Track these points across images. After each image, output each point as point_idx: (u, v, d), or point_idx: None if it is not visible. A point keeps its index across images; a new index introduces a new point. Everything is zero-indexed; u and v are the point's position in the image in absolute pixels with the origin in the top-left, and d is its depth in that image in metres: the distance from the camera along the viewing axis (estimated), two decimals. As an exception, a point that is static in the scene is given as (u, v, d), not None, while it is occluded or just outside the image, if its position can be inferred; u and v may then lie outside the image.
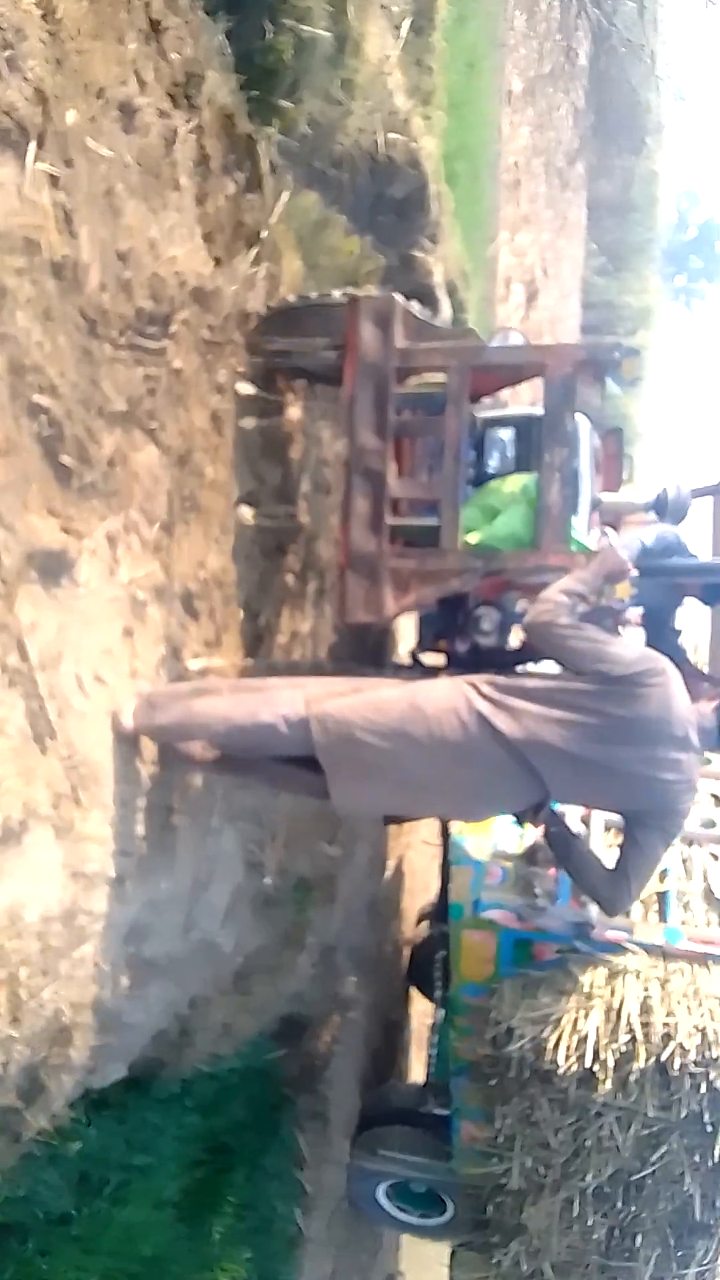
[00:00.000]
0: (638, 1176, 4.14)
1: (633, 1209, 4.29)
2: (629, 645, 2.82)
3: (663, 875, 4.56)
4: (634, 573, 2.93)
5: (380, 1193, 5.43)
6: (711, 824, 4.77)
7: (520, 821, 2.95)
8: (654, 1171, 4.11)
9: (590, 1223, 4.37)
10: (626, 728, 2.59)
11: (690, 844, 4.73)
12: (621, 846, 2.79)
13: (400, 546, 3.24)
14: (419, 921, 6.49)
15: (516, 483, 3.51)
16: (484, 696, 2.64)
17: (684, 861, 4.67)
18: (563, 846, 2.90)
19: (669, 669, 2.68)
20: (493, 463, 3.76)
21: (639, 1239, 4.40)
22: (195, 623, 2.71)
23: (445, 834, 5.08)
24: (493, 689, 2.67)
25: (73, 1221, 2.90)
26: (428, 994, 5.61)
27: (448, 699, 2.64)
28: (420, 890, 6.27)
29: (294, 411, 3.53)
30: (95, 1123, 2.97)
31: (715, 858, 4.67)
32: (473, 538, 3.35)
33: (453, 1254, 5.53)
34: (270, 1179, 4.27)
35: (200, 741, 2.59)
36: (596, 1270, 4.73)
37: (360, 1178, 5.35)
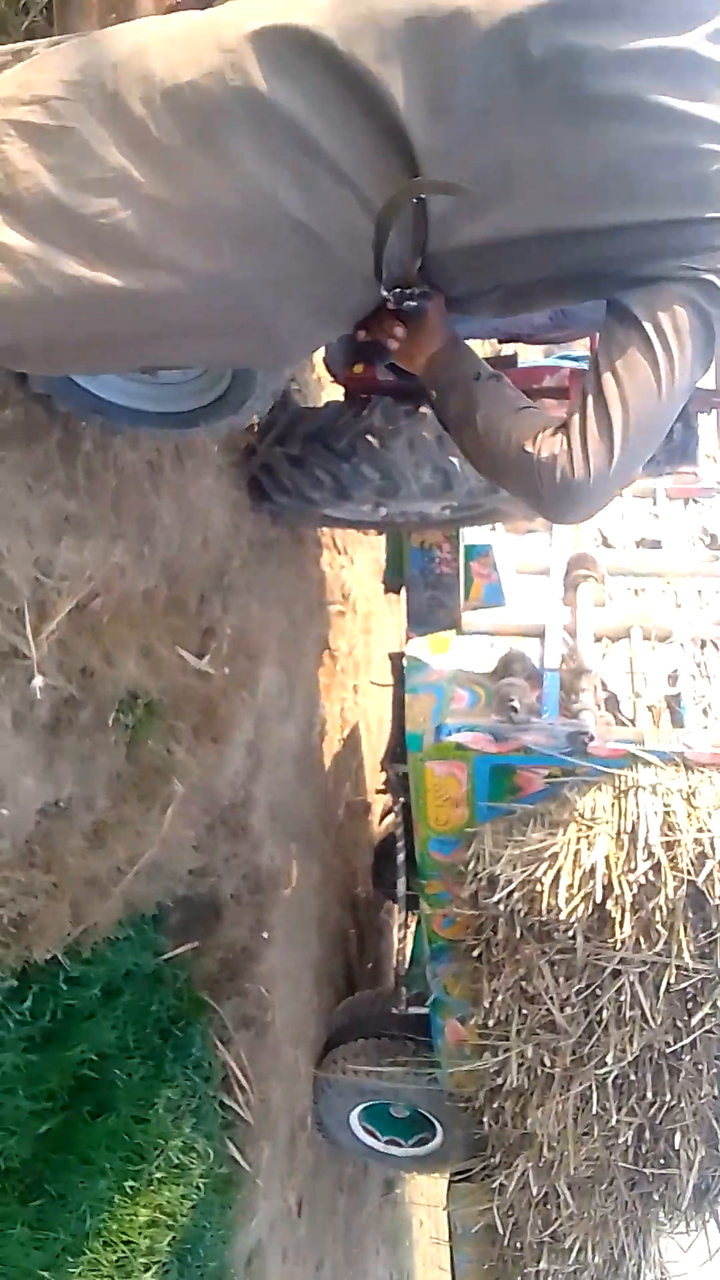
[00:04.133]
0: (671, 1051, 3.17)
1: (666, 1098, 3.34)
2: None
3: (673, 678, 3.61)
4: None
5: (354, 1119, 4.45)
6: (730, 616, 3.83)
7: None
8: (692, 1043, 3.15)
9: (613, 1122, 3.41)
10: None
11: (704, 645, 3.77)
12: (584, 383, 1.43)
13: None
14: (382, 819, 5.50)
15: None
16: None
17: (697, 665, 3.70)
18: (458, 394, 1.54)
19: None
20: None
21: (677, 1137, 3.46)
22: None
23: (397, 668, 4.11)
24: None
25: None
26: (390, 892, 4.62)
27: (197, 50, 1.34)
28: (377, 765, 5.15)
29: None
30: None
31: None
32: None
33: (449, 1188, 4.58)
34: (182, 1114, 3.18)
35: None
36: (624, 1185, 3.79)
37: (327, 1102, 4.37)
